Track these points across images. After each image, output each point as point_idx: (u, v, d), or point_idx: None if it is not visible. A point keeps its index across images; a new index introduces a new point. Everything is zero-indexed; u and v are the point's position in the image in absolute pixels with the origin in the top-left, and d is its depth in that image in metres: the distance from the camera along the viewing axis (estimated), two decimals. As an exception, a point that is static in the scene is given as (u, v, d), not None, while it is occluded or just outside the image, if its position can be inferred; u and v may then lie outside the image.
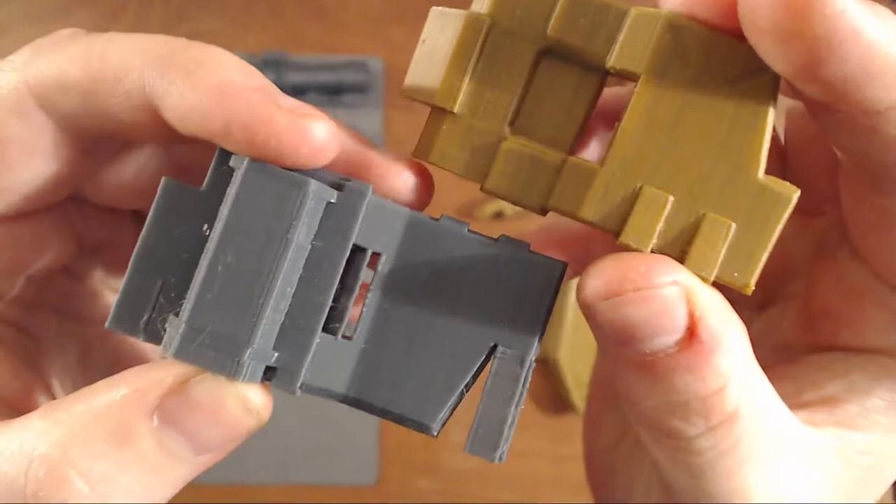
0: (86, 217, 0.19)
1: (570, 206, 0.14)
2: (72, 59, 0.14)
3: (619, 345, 0.13)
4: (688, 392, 0.13)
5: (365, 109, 0.60)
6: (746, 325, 0.15)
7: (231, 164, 0.14)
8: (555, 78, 0.14)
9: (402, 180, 0.15)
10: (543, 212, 0.15)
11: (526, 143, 0.14)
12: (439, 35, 0.15)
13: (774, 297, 0.19)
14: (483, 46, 0.14)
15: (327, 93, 0.59)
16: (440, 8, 0.15)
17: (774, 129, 0.13)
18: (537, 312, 0.14)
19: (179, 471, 0.13)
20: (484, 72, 0.14)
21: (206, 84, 0.13)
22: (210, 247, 0.13)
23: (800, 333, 0.18)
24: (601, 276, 0.13)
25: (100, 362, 0.20)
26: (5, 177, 0.15)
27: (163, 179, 0.14)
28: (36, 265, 0.18)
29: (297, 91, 0.59)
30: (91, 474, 0.12)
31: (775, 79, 0.13)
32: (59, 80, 0.14)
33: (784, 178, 0.14)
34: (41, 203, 0.16)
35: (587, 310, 0.13)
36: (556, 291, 0.14)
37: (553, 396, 0.57)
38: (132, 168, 0.18)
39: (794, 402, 0.16)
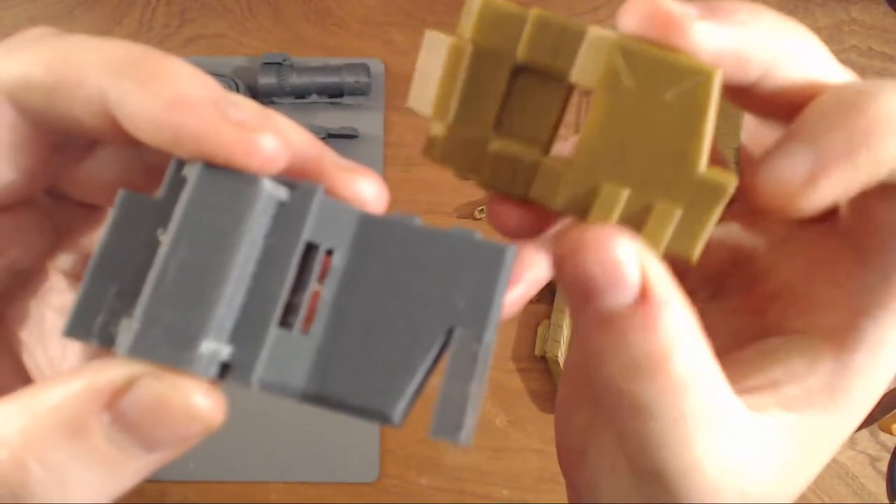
0: (65, 211, 0.19)
1: (545, 198, 0.16)
2: (37, 59, 0.15)
3: (582, 301, 0.14)
4: (640, 351, 0.14)
5: (366, 111, 0.61)
6: (701, 314, 0.16)
7: (185, 171, 0.14)
8: (529, 90, 0.16)
9: (353, 189, 0.15)
10: (527, 202, 0.17)
11: (508, 144, 0.16)
12: (432, 58, 0.17)
13: (726, 288, 0.21)
14: (468, 67, 0.16)
15: (328, 95, 0.59)
16: (432, 32, 0.17)
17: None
18: (489, 293, 0.14)
19: (131, 465, 0.13)
20: (470, 87, 0.16)
21: (160, 95, 0.14)
22: (164, 245, 0.14)
23: (750, 319, 0.19)
24: (567, 239, 0.14)
25: (79, 353, 0.21)
26: None
27: (119, 192, 0.15)
28: (13, 257, 0.18)
29: (298, 93, 0.59)
30: (47, 462, 0.13)
31: (712, 84, 0.15)
32: (24, 80, 0.15)
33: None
34: (16, 196, 0.17)
35: (557, 270, 0.15)
36: (506, 271, 0.15)
37: (553, 395, 0.58)
38: (103, 165, 0.18)
39: (742, 385, 0.17)
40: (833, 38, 0.62)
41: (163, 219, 0.14)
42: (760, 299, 0.18)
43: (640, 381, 0.15)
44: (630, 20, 0.15)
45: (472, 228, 0.15)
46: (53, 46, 0.15)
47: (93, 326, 0.14)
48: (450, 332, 0.14)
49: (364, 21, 0.65)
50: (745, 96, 0.16)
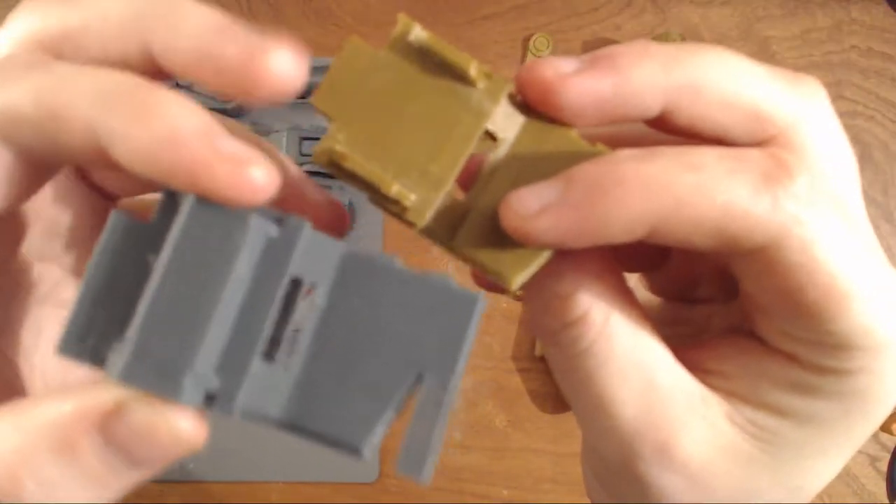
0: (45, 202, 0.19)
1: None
2: (24, 93, 0.15)
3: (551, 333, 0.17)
4: (551, 291, 0.17)
5: (366, 111, 0.60)
6: (684, 320, 0.19)
7: (177, 200, 0.15)
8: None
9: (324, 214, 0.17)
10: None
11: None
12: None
13: (695, 295, 0.23)
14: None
15: (328, 94, 0.59)
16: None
17: None
18: (456, 341, 0.15)
19: (118, 481, 0.15)
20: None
21: (151, 131, 0.14)
22: (155, 276, 0.14)
23: (719, 321, 0.21)
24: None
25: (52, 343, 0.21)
26: None
27: (112, 213, 0.15)
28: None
29: (298, 93, 0.59)
30: (39, 477, 0.14)
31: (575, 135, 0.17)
32: (12, 114, 0.15)
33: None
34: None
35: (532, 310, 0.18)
36: (474, 322, 0.15)
37: (553, 395, 0.58)
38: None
39: (698, 367, 0.19)
40: (833, 38, 0.62)
41: (153, 244, 0.15)
42: (735, 306, 0.20)
43: (552, 315, 0.17)
44: (520, 88, 0.16)
45: (447, 275, 0.16)
46: (41, 78, 0.15)
47: (85, 346, 0.15)
48: (419, 376, 0.15)
49: (364, 21, 0.65)
50: (668, 128, 0.17)
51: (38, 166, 0.16)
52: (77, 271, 0.21)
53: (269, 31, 0.15)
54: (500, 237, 0.16)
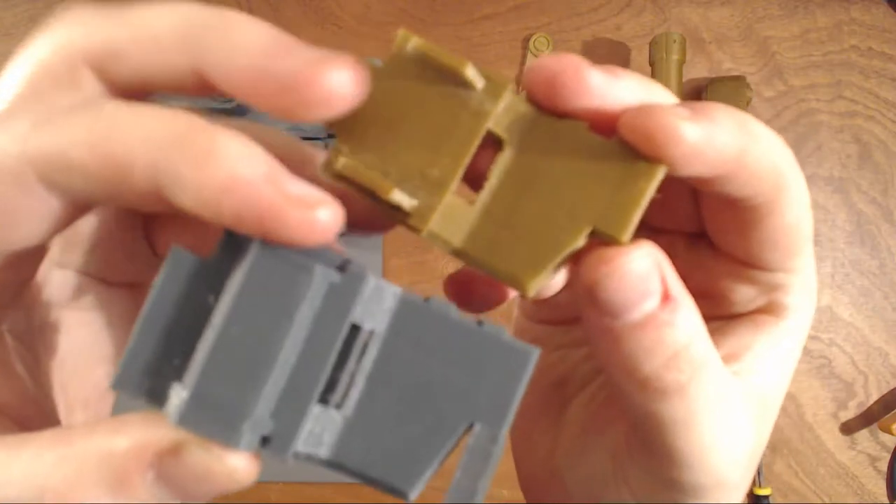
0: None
1: (445, 234, 0.17)
2: (75, 139, 0.14)
3: (613, 316, 0.16)
4: (674, 342, 0.16)
5: (366, 111, 0.61)
6: (568, 344, 0.19)
7: (239, 240, 0.15)
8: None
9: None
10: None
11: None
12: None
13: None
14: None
15: (328, 94, 0.59)
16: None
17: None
18: (509, 394, 0.15)
19: None
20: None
21: (215, 179, 0.13)
22: (217, 320, 0.14)
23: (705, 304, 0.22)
24: (593, 267, 0.16)
25: (73, 353, 0.21)
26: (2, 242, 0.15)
27: (171, 248, 0.15)
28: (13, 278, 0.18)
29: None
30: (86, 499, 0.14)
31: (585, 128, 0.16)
32: (64, 161, 0.14)
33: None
34: (28, 246, 0.16)
35: (589, 296, 0.16)
36: (528, 374, 0.16)
37: (552, 395, 0.58)
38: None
39: None
40: (833, 38, 0.62)
41: (213, 283, 0.15)
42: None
43: (677, 368, 0.16)
44: (529, 83, 0.16)
45: (502, 326, 0.16)
46: (93, 121, 0.14)
47: (141, 384, 0.15)
48: (470, 426, 0.15)
49: (364, 21, 0.65)
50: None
51: (82, 207, 0.16)
52: (96, 275, 0.21)
53: (324, 48, 0.15)
54: (513, 240, 0.16)
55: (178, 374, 0.14)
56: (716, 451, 0.18)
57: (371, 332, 0.15)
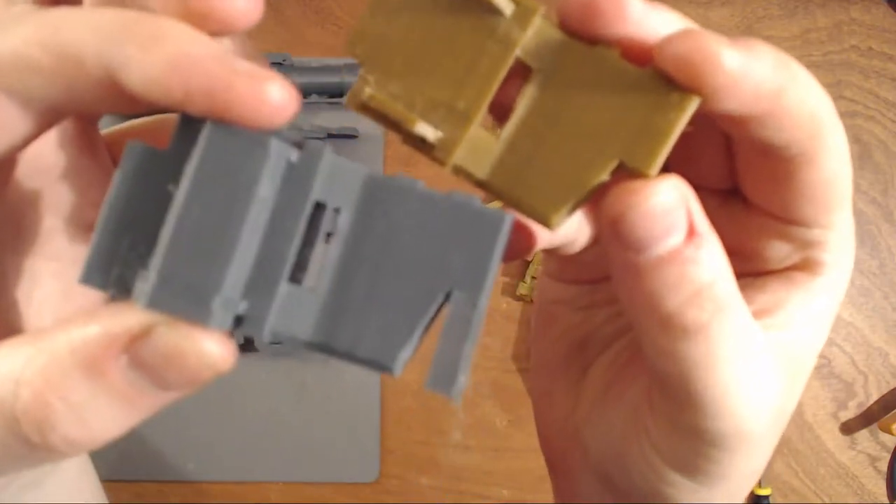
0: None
1: (470, 166, 0.17)
2: (27, 40, 0.14)
3: (639, 250, 0.16)
4: (697, 279, 0.16)
5: (366, 111, 0.61)
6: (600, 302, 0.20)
7: (194, 126, 0.14)
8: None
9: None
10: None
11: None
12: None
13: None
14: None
15: (328, 95, 0.59)
16: None
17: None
18: (485, 260, 0.15)
19: (145, 401, 0.15)
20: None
21: (164, 56, 0.14)
22: (177, 202, 0.14)
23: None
24: (617, 200, 0.16)
25: (48, 298, 0.21)
26: None
27: (128, 143, 0.15)
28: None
29: (299, 93, 0.59)
30: (69, 399, 0.14)
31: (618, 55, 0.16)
32: (18, 62, 0.15)
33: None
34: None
35: (613, 229, 0.16)
36: (503, 240, 0.15)
37: (552, 395, 0.58)
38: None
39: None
40: (833, 38, 0.62)
41: (172, 173, 0.15)
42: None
43: (700, 306, 0.16)
44: (563, 7, 0.16)
45: (473, 195, 0.16)
46: (38, 24, 0.15)
47: (108, 275, 0.15)
48: (447, 294, 0.15)
49: (364, 21, 0.65)
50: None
51: (41, 114, 0.16)
52: (73, 221, 0.21)
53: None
54: (538, 173, 0.16)
55: (144, 262, 0.14)
56: (737, 397, 0.17)
57: (337, 210, 0.15)
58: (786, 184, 0.18)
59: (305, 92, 0.59)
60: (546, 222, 0.16)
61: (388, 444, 0.61)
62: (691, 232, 0.16)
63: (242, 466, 0.61)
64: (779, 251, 0.20)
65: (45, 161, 0.19)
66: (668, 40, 0.15)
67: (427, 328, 0.16)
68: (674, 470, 0.19)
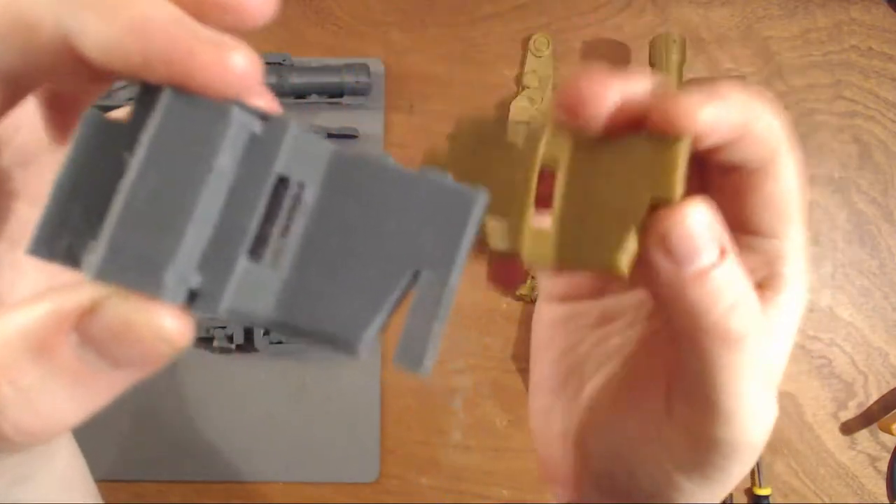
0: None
1: (536, 258, 0.20)
2: None
3: (684, 263, 0.18)
4: (735, 292, 0.18)
5: (366, 111, 0.61)
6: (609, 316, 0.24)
7: (153, 94, 0.14)
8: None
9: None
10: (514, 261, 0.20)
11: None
12: None
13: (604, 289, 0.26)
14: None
15: (328, 95, 0.59)
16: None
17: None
18: (456, 238, 0.15)
19: (101, 382, 0.14)
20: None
21: (122, 21, 0.13)
22: (131, 170, 0.13)
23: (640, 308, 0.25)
24: (664, 221, 0.18)
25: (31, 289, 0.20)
26: None
27: (86, 111, 0.14)
28: None
29: (298, 93, 0.59)
30: (19, 383, 0.13)
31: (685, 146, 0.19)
32: None
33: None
34: None
35: (659, 247, 0.18)
36: (475, 218, 0.15)
37: (552, 395, 0.58)
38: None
39: None
40: (833, 38, 0.62)
41: (130, 142, 0.14)
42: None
43: (739, 318, 0.18)
44: (560, 108, 0.19)
45: (446, 173, 0.15)
46: None
47: (58, 246, 0.14)
48: (417, 273, 0.15)
49: (364, 21, 0.65)
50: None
51: (3, 85, 0.15)
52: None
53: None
54: (593, 236, 0.19)
55: (94, 233, 0.14)
56: (753, 410, 0.19)
57: (301, 185, 0.15)
58: (749, 195, 0.20)
59: (305, 92, 0.59)
60: (615, 270, 0.18)
61: (388, 444, 0.61)
62: (723, 250, 0.18)
63: (242, 466, 0.61)
64: (745, 265, 0.21)
65: (25, 151, 0.19)
66: (655, 110, 0.18)
67: (395, 307, 0.15)
68: (682, 474, 0.21)
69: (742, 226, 0.21)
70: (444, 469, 0.61)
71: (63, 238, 0.14)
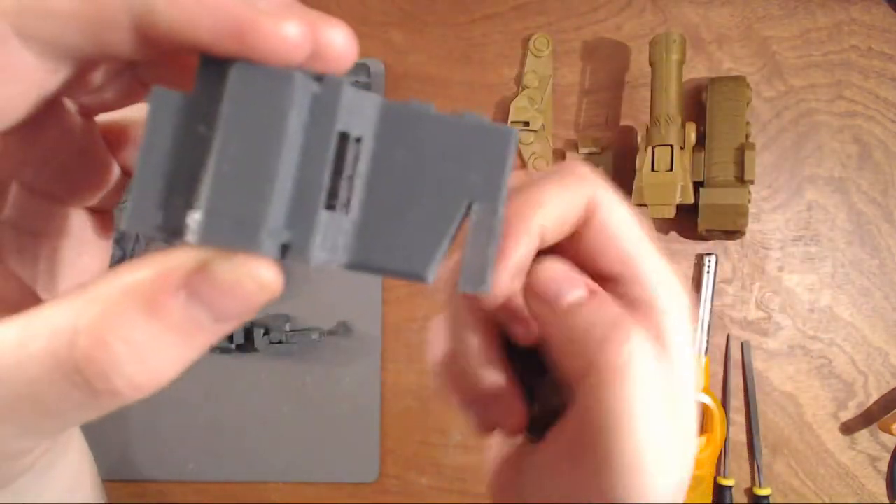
0: (50, 133, 0.19)
1: None
2: None
3: (552, 300, 0.20)
4: (606, 323, 0.20)
5: (366, 111, 0.61)
6: None
7: (216, 68, 0.15)
8: None
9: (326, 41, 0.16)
10: None
11: None
12: None
13: None
14: None
15: (328, 95, 0.59)
16: None
17: None
18: (498, 171, 0.17)
19: (203, 336, 0.15)
20: None
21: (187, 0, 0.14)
22: (216, 142, 0.15)
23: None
24: (535, 272, 0.20)
25: (51, 275, 0.21)
26: None
27: (153, 88, 0.15)
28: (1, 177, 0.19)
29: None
30: (130, 340, 0.14)
31: None
32: (37, 5, 0.15)
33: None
34: (8, 122, 0.16)
35: (530, 292, 0.21)
36: (511, 151, 0.17)
37: (552, 395, 0.58)
38: (101, 88, 0.19)
39: None
40: (833, 38, 0.62)
41: (201, 114, 0.15)
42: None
43: (609, 349, 0.19)
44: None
45: (480, 113, 0.17)
46: None
47: (154, 218, 0.15)
48: (469, 206, 0.17)
49: (364, 21, 0.65)
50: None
51: (63, 62, 0.16)
52: (58, 194, 0.20)
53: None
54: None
55: (187, 203, 0.15)
56: (656, 445, 0.20)
57: (360, 139, 0.16)
58: (585, 246, 0.22)
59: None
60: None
61: (388, 444, 0.61)
62: (591, 290, 0.21)
63: (242, 466, 0.61)
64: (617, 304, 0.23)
65: (48, 146, 0.19)
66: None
67: (453, 238, 0.17)
68: None
69: (594, 276, 0.22)
70: (444, 469, 0.61)
71: (157, 210, 0.15)
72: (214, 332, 0.15)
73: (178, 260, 0.15)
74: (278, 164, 0.15)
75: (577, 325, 0.20)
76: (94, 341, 0.14)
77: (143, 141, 0.15)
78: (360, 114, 0.16)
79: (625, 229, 0.22)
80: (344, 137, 0.16)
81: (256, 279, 0.15)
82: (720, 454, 0.60)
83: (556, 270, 0.21)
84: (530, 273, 0.20)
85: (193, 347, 0.15)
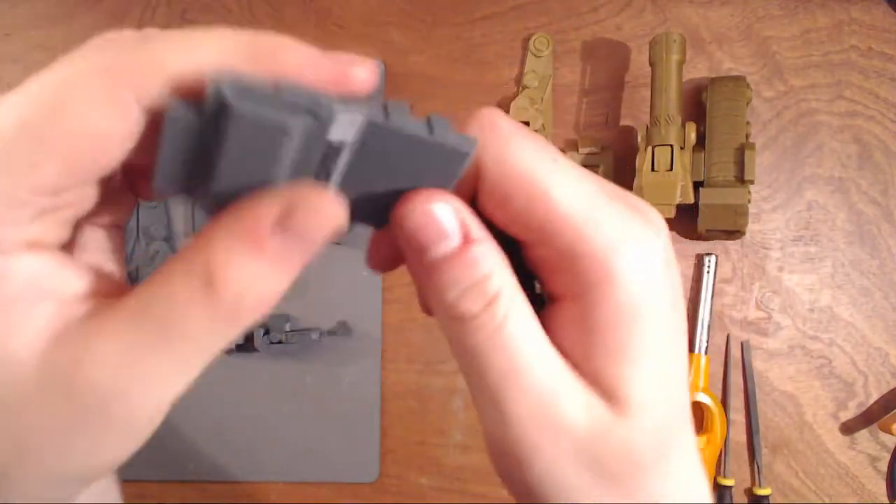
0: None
1: None
2: (166, 48, 0.18)
3: (421, 252, 0.20)
4: (470, 277, 0.20)
5: (366, 111, 0.61)
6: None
7: (217, 99, 0.17)
8: None
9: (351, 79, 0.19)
10: None
11: None
12: None
13: None
14: None
15: (328, 95, 0.59)
16: None
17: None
18: (453, 174, 0.20)
19: (292, 268, 0.18)
20: None
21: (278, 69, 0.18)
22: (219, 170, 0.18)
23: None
24: (400, 210, 0.20)
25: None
26: (98, 164, 0.18)
27: (171, 101, 0.17)
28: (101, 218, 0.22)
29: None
30: (241, 276, 0.17)
31: None
32: (157, 69, 0.18)
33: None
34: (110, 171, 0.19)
35: (399, 233, 0.20)
36: (466, 162, 0.20)
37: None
38: None
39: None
40: (833, 38, 0.62)
41: (209, 132, 0.18)
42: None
43: (471, 300, 0.20)
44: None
45: (447, 119, 0.19)
46: (185, 38, 0.19)
47: (172, 187, 0.19)
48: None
49: (364, 21, 0.65)
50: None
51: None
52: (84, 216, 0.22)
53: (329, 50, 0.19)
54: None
55: (203, 177, 0.18)
56: (512, 392, 0.20)
57: (342, 144, 0.19)
58: (573, 328, 0.21)
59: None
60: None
61: (388, 444, 0.61)
62: (467, 238, 0.20)
63: (242, 466, 0.61)
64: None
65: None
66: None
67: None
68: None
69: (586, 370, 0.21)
70: (444, 469, 0.61)
71: (179, 182, 0.18)
72: (301, 262, 0.18)
73: (272, 203, 0.18)
74: (276, 177, 0.18)
75: (442, 278, 0.20)
76: (212, 270, 0.17)
77: (164, 131, 0.18)
78: (345, 126, 0.18)
79: (628, 322, 0.20)
80: (331, 147, 0.19)
81: (330, 211, 0.18)
82: (720, 454, 0.60)
83: (427, 215, 0.19)
84: (403, 215, 0.20)
85: (286, 274, 0.18)
